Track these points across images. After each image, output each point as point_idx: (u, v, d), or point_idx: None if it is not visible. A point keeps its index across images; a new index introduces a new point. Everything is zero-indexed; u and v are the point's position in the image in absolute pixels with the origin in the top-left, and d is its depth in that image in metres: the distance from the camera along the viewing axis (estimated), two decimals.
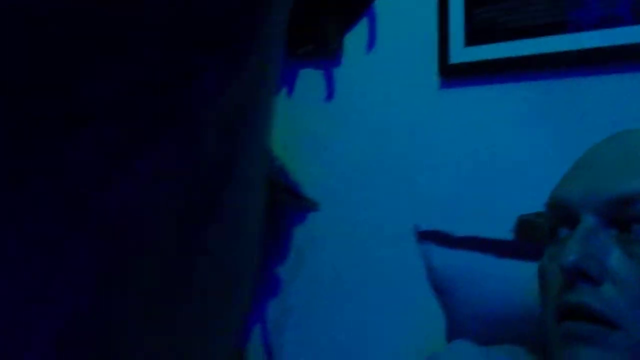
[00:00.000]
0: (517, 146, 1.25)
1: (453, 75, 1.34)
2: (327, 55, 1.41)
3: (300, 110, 1.45)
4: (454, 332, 0.94)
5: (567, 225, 0.63)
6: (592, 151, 0.66)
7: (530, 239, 0.98)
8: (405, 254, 1.18)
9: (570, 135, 1.18)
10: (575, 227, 0.60)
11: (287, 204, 1.48)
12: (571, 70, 1.21)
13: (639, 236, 0.58)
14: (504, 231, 1.06)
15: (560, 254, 0.59)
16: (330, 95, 1.43)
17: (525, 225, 1.02)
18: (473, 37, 1.31)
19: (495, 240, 0.97)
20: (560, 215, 0.64)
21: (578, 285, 0.58)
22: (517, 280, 0.88)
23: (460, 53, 1.33)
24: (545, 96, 1.24)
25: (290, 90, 1.45)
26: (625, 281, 0.57)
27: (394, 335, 1.30)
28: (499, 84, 1.29)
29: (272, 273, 1.49)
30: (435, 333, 1.01)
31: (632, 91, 1.15)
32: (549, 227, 0.66)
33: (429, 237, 0.96)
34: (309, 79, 1.46)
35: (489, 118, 1.29)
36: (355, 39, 1.42)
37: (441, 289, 0.95)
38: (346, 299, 1.39)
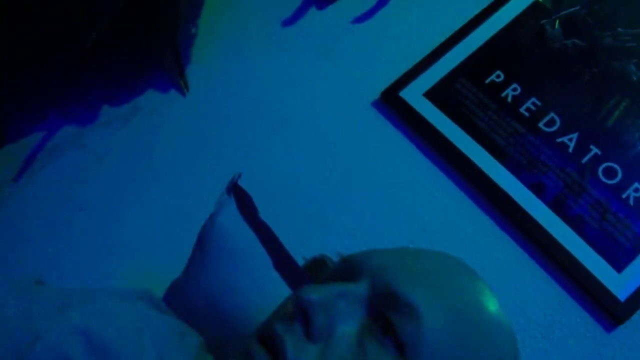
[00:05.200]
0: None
1: (390, 104, 1.28)
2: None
3: None
4: (178, 285, 0.86)
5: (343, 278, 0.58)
6: (422, 253, 0.61)
7: (313, 276, 0.92)
8: None
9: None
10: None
11: (167, 61, 1.34)
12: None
13: (378, 335, 0.52)
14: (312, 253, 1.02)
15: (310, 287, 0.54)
16: None
17: (318, 263, 0.96)
18: (437, 98, 1.26)
19: (287, 253, 0.89)
20: (345, 271, 0.58)
21: (295, 324, 0.52)
22: (269, 297, 0.81)
23: (414, 95, 1.27)
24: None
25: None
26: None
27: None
28: (413, 144, 1.25)
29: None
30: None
31: None
32: (330, 273, 0.61)
33: (238, 194, 0.87)
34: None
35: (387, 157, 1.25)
36: None
37: (204, 242, 0.86)
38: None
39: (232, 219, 0.86)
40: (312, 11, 1.41)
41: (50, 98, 1.35)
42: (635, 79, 1.22)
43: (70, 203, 1.26)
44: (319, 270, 0.95)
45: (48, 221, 1.24)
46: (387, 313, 0.53)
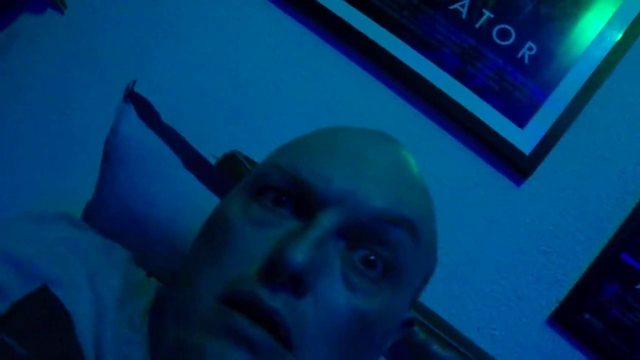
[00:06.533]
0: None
1: None
2: None
3: None
4: (94, 204, 0.82)
5: (295, 204, 0.52)
6: (355, 142, 0.56)
7: (229, 173, 0.90)
8: None
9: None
10: (306, 213, 0.51)
11: None
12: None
13: (359, 265, 0.51)
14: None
15: (283, 238, 0.49)
16: None
17: (229, 159, 0.94)
18: None
19: (196, 152, 0.87)
20: (295, 190, 0.52)
21: (278, 284, 0.47)
22: (185, 200, 0.80)
23: None
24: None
25: None
26: (328, 307, 0.49)
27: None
28: (307, 28, 1.22)
29: None
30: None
31: None
32: (265, 183, 0.54)
33: (137, 101, 0.83)
34: None
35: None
36: None
37: (110, 155, 0.82)
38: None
39: (134, 126, 0.83)
40: None
41: None
42: None
43: None
44: (231, 165, 0.94)
45: None
46: (372, 247, 0.51)
